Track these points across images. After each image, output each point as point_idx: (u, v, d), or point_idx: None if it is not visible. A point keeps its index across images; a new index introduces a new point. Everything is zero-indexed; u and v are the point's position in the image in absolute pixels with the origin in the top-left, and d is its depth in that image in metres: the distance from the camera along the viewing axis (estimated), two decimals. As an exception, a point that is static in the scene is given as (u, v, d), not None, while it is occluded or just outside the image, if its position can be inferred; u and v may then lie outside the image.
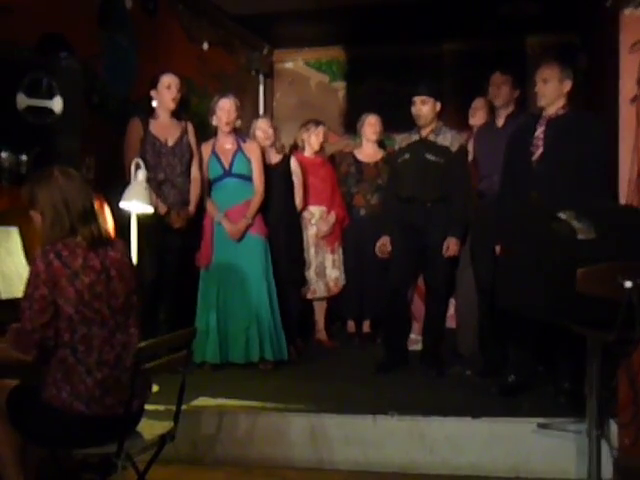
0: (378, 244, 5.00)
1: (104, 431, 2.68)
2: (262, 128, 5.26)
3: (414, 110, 4.78)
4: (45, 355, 2.67)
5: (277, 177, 5.22)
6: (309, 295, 5.64)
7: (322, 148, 5.79)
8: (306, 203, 5.57)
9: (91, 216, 2.76)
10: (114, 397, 2.70)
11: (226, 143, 4.97)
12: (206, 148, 4.97)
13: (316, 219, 5.62)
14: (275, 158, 5.30)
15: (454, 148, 4.76)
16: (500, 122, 4.80)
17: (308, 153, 5.69)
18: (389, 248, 4.92)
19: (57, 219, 2.70)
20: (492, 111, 4.99)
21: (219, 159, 4.94)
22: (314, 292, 5.64)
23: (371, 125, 5.78)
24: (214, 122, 4.97)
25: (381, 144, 5.95)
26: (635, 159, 3.61)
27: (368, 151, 5.86)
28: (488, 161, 4.67)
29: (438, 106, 4.79)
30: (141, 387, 2.77)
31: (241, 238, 4.89)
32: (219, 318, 4.85)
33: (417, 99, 4.77)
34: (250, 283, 4.85)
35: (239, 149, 4.95)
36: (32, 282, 2.63)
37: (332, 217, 5.65)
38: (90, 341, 2.66)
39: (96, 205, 3.95)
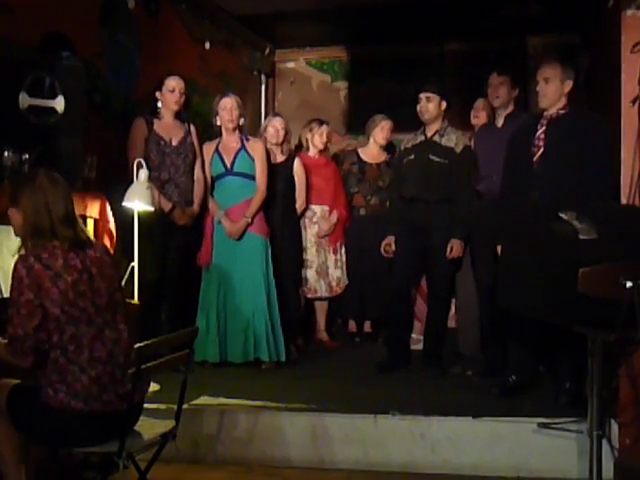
0: (383, 244, 5.01)
1: (104, 428, 2.68)
2: (275, 126, 5.26)
3: (419, 107, 4.78)
4: (41, 359, 2.68)
5: (279, 177, 5.23)
6: (310, 294, 5.65)
7: (326, 148, 5.79)
8: (307, 203, 5.57)
9: (72, 220, 2.78)
10: (111, 393, 2.70)
11: (230, 142, 4.98)
12: (210, 147, 4.98)
13: (318, 218, 5.62)
14: (279, 158, 5.31)
15: (459, 149, 4.76)
16: (500, 122, 4.81)
17: (312, 153, 5.69)
18: (394, 248, 4.93)
19: (38, 221, 2.72)
20: (493, 111, 4.98)
21: (221, 157, 4.95)
22: (315, 292, 5.65)
23: (383, 130, 5.75)
24: (218, 122, 4.98)
25: (388, 145, 5.93)
26: (636, 159, 3.61)
27: (373, 152, 5.85)
28: (487, 161, 4.68)
29: (444, 105, 4.78)
30: (139, 382, 2.77)
31: (241, 237, 4.90)
32: (219, 317, 4.87)
33: (422, 96, 4.77)
34: (249, 283, 4.86)
35: (242, 148, 4.96)
36: (16, 288, 2.63)
37: (334, 217, 5.66)
38: (79, 340, 2.67)
39: (98, 204, 3.97)
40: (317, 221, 5.62)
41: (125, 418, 2.67)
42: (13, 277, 2.65)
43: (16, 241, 3.35)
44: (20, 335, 2.62)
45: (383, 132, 5.77)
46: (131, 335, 2.81)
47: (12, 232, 3.40)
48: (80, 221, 2.86)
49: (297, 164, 5.41)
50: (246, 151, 4.95)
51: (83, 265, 2.73)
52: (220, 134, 5.03)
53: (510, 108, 4.80)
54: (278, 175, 5.22)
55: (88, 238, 2.84)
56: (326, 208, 5.66)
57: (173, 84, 4.73)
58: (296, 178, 5.41)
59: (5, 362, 2.69)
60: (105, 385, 2.70)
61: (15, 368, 2.73)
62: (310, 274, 5.60)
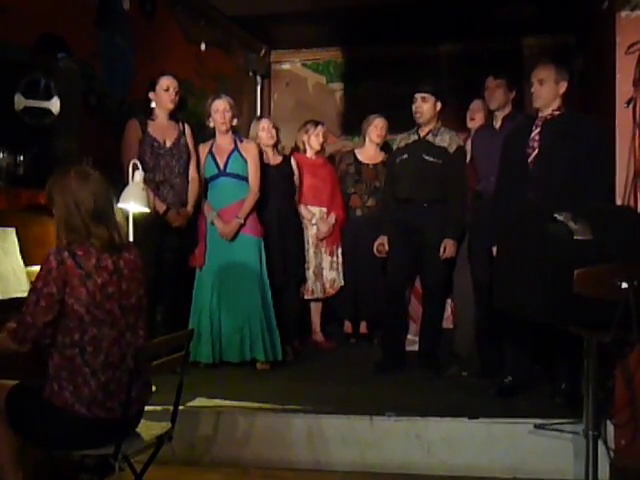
0: (376, 244, 5.01)
1: (103, 433, 2.68)
2: (266, 128, 5.27)
3: (414, 107, 4.78)
4: (39, 349, 2.67)
5: (279, 177, 5.24)
6: (307, 295, 5.65)
7: (323, 148, 5.79)
8: (305, 204, 5.57)
9: (105, 217, 2.74)
10: (116, 400, 2.69)
11: (223, 143, 4.99)
12: (204, 148, 5.00)
13: (316, 219, 5.62)
14: (277, 158, 5.31)
15: (452, 149, 4.77)
16: (497, 124, 4.81)
17: (309, 154, 5.69)
18: (387, 248, 4.92)
19: (69, 219, 2.70)
20: (490, 112, 4.99)
21: (215, 158, 4.96)
22: (312, 292, 5.65)
23: (377, 128, 5.76)
24: (211, 124, 5.00)
25: (384, 146, 5.93)
26: (631, 160, 3.62)
27: (369, 152, 5.85)
28: (486, 162, 4.68)
29: (439, 105, 4.79)
30: (140, 390, 2.77)
31: (233, 238, 4.90)
32: (212, 319, 4.87)
33: (418, 96, 4.77)
34: (243, 284, 4.87)
35: (235, 149, 4.97)
36: (42, 277, 2.62)
37: (332, 218, 5.66)
38: (99, 342, 2.66)
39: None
40: (316, 223, 5.62)
41: (123, 424, 2.66)
42: (42, 266, 2.63)
43: (13, 243, 3.35)
44: (28, 323, 2.61)
45: (377, 130, 5.77)
46: (146, 341, 2.80)
47: (8, 234, 3.41)
48: (119, 217, 2.82)
49: (294, 163, 5.43)
50: (239, 152, 4.96)
51: (115, 266, 2.72)
52: (214, 135, 5.03)
53: (507, 110, 4.79)
54: (278, 175, 5.22)
55: (121, 238, 2.79)
56: (324, 209, 5.66)
57: (167, 83, 4.72)
58: (295, 177, 5.42)
59: (4, 347, 2.67)
60: (111, 392, 2.68)
61: (14, 359, 2.73)
62: (307, 275, 5.60)
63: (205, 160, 4.97)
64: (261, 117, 5.54)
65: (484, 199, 4.67)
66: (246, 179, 4.95)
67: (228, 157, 4.94)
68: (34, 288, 2.63)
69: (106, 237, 2.71)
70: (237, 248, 4.91)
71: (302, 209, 5.56)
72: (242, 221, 4.89)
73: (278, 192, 5.21)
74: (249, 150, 5.00)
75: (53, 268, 2.60)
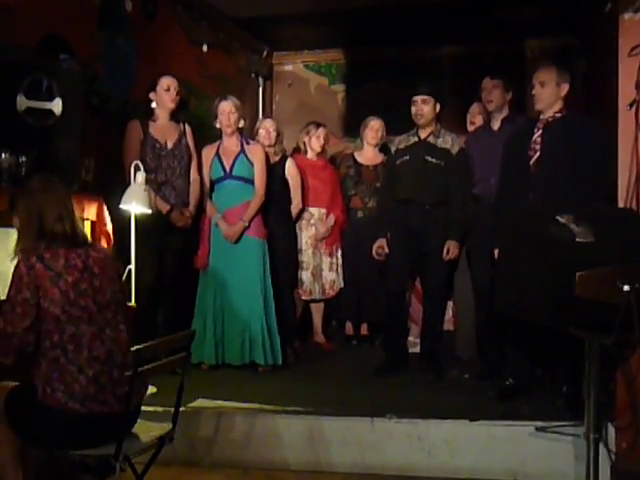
0: (375, 246, 4.98)
1: (101, 430, 2.69)
2: (266, 127, 5.29)
3: (414, 109, 4.77)
4: (24, 360, 2.68)
5: (272, 178, 5.22)
6: (304, 296, 5.65)
7: (324, 150, 5.80)
8: (305, 205, 5.57)
9: (66, 224, 2.80)
10: (108, 393, 2.71)
11: (230, 145, 4.99)
12: (211, 150, 5.00)
13: (315, 220, 5.62)
14: (272, 159, 5.31)
15: (454, 150, 4.76)
16: (496, 125, 4.80)
17: (310, 155, 5.70)
18: (386, 250, 4.91)
19: (29, 225, 2.78)
20: (488, 114, 4.98)
21: (221, 161, 4.95)
22: (310, 294, 5.65)
23: (373, 130, 5.77)
24: (218, 125, 5.00)
25: (384, 148, 5.93)
26: (634, 163, 3.61)
27: (368, 154, 5.86)
28: (484, 164, 4.66)
29: (438, 107, 4.79)
30: (138, 385, 2.78)
31: (237, 240, 4.90)
32: (215, 320, 4.87)
33: (418, 98, 4.77)
34: (246, 286, 4.86)
35: (242, 151, 4.96)
36: (15, 285, 2.67)
37: (331, 219, 5.66)
38: (79, 339, 2.68)
39: (95, 207, 3.96)
40: (314, 223, 5.62)
41: (122, 420, 2.67)
42: (14, 275, 2.68)
43: (14, 243, 3.35)
44: (9, 332, 2.64)
45: (372, 131, 5.78)
46: (130, 336, 2.82)
47: (10, 234, 3.41)
48: (79, 224, 2.90)
49: (290, 165, 5.40)
50: (245, 155, 4.95)
51: (84, 264, 2.76)
52: (220, 137, 5.03)
53: (505, 112, 4.78)
54: (271, 176, 5.21)
55: (85, 237, 2.89)
56: (323, 211, 5.66)
57: (168, 82, 4.73)
58: (289, 179, 5.40)
59: None
60: (103, 385, 2.70)
61: (12, 365, 2.74)
62: (305, 276, 5.61)
63: (212, 162, 4.96)
64: (266, 117, 5.53)
65: (483, 202, 4.66)
66: (252, 182, 4.95)
67: (234, 160, 4.94)
68: (8, 297, 2.68)
69: (70, 238, 2.78)
70: (241, 249, 4.90)
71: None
72: (247, 224, 4.88)
73: (271, 193, 5.17)
74: (255, 153, 4.99)
75: (24, 274, 2.66)
